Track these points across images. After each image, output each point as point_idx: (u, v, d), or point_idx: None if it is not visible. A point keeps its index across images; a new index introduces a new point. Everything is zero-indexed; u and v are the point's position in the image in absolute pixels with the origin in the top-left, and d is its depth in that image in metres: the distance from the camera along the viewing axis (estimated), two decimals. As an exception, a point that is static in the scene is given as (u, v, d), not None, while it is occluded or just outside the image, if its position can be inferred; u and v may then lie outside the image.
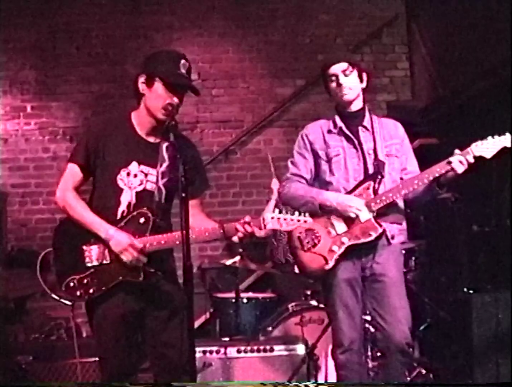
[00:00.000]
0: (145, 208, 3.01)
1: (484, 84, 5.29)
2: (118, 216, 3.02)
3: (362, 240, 3.35)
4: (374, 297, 3.40)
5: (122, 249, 2.95)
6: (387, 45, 7.00)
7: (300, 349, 4.13)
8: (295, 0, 6.95)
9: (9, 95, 6.63)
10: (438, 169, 3.26)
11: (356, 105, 3.48)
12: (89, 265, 3.00)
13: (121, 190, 3.03)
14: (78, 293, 3.00)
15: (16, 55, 6.64)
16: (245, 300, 4.87)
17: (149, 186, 3.05)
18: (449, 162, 3.22)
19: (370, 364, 4.17)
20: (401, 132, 3.55)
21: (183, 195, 2.74)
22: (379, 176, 3.38)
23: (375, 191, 3.36)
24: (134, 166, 3.05)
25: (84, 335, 5.36)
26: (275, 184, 4.53)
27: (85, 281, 2.99)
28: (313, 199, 3.40)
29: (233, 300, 4.76)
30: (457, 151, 3.24)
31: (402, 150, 3.51)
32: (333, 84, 3.43)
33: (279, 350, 4.14)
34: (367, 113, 3.51)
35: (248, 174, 6.74)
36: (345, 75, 3.40)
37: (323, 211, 3.39)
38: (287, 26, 6.90)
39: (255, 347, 4.14)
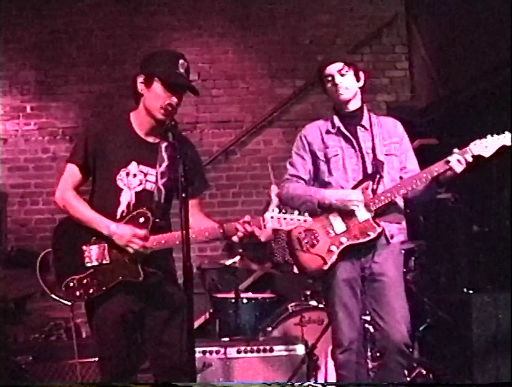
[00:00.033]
0: (144, 208, 3.01)
1: (484, 84, 5.29)
2: (118, 216, 3.02)
3: (361, 240, 3.35)
4: (373, 297, 3.39)
5: (127, 241, 2.95)
6: (386, 46, 7.00)
7: (300, 349, 4.14)
8: (294, 0, 6.95)
9: (9, 96, 6.63)
10: (437, 168, 3.26)
11: (354, 105, 3.48)
12: (88, 265, 3.00)
13: (121, 190, 3.03)
14: (78, 293, 3.00)
15: (16, 55, 6.64)
16: (245, 300, 4.86)
17: (149, 186, 3.05)
18: (448, 162, 3.22)
19: (370, 364, 4.16)
20: (400, 131, 3.54)
21: (183, 195, 2.74)
22: (378, 176, 3.38)
23: (374, 191, 3.36)
24: (133, 166, 3.05)
25: (84, 335, 5.36)
26: (274, 190, 4.53)
27: (85, 281, 2.99)
28: (311, 197, 3.41)
29: (233, 300, 4.76)
30: (455, 150, 3.23)
31: (401, 149, 3.50)
32: (330, 85, 3.44)
33: (278, 350, 4.15)
34: (365, 113, 3.52)
35: (248, 175, 6.74)
36: (341, 75, 3.40)
37: (322, 210, 3.39)
38: (287, 26, 6.90)
39: (255, 347, 4.14)
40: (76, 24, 6.73)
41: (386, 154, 3.43)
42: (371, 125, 3.47)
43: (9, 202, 6.40)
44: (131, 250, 2.96)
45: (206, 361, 4.07)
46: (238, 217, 2.98)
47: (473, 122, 5.21)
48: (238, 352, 4.13)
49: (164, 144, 3.07)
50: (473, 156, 3.21)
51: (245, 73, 6.86)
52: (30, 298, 5.52)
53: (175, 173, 2.93)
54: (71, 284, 3.00)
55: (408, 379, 4.29)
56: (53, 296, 4.05)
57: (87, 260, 3.01)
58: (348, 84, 3.41)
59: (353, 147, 3.45)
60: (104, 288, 2.98)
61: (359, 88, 3.48)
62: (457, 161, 3.19)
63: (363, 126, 3.48)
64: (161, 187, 3.07)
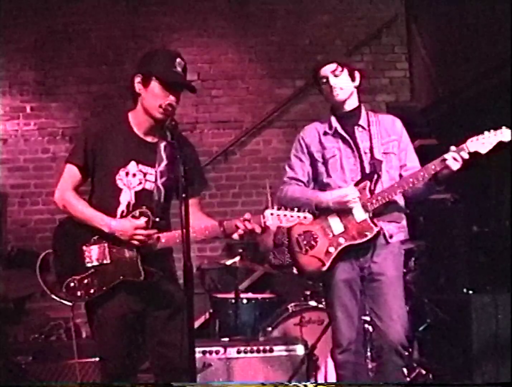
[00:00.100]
0: (144, 207, 3.01)
1: (484, 84, 5.30)
2: (118, 216, 3.01)
3: (358, 241, 3.35)
4: (371, 296, 3.39)
5: (130, 234, 2.95)
6: (386, 46, 7.00)
7: (300, 350, 4.14)
8: (294, 0, 6.95)
9: (9, 96, 6.63)
10: (433, 167, 3.25)
11: (351, 105, 3.48)
12: (89, 265, 3.00)
13: (120, 190, 3.03)
14: (78, 293, 3.00)
15: (15, 56, 6.65)
16: (244, 301, 4.87)
17: (148, 185, 3.06)
18: (444, 160, 3.20)
19: (370, 365, 4.17)
20: (398, 128, 3.52)
21: (184, 195, 2.73)
22: (376, 176, 3.37)
23: (372, 191, 3.35)
24: (132, 166, 3.05)
25: (84, 335, 5.37)
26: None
27: (86, 281, 2.99)
28: (309, 200, 3.40)
29: (233, 301, 4.76)
30: (452, 148, 3.22)
31: (401, 146, 3.48)
32: (325, 86, 3.44)
33: (278, 350, 4.15)
34: (363, 112, 3.51)
35: (248, 175, 6.74)
36: (335, 76, 3.40)
37: (320, 212, 3.39)
38: (287, 27, 6.90)
39: (255, 348, 4.14)
40: (76, 25, 6.73)
41: (385, 153, 3.42)
42: (369, 125, 3.46)
43: (9, 202, 6.41)
44: (136, 242, 2.95)
45: (206, 361, 4.07)
46: (238, 217, 2.98)
47: (473, 122, 5.20)
48: (238, 352, 4.13)
49: (162, 144, 3.07)
50: (469, 153, 3.19)
51: (244, 73, 6.86)
52: (30, 298, 5.52)
53: (174, 172, 2.93)
54: (72, 284, 3.00)
55: (408, 379, 4.29)
56: (54, 296, 4.05)
57: (87, 260, 3.01)
58: (342, 85, 3.41)
59: (351, 147, 3.44)
60: (105, 288, 2.98)
61: (355, 87, 3.48)
62: (453, 159, 3.18)
63: (360, 125, 3.47)
64: (161, 186, 3.07)
